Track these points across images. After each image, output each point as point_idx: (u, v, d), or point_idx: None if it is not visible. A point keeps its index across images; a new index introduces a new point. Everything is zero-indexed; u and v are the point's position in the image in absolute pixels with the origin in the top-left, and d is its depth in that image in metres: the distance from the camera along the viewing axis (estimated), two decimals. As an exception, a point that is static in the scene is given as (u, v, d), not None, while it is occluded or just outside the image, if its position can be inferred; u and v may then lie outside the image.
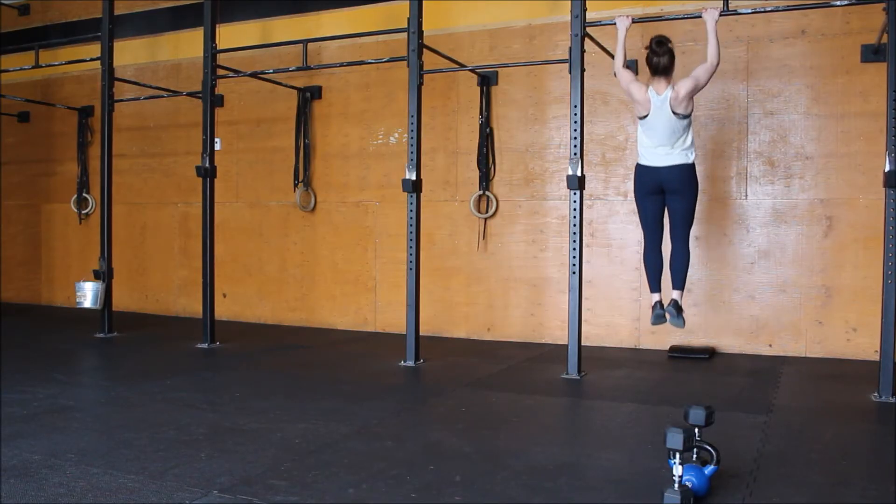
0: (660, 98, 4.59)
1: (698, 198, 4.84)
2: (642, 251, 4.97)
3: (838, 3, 4.86)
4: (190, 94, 7.18)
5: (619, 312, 6.22)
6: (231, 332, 6.81)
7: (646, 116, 4.66)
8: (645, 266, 4.92)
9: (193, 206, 7.71)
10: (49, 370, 5.13)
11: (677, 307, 4.73)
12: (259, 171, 7.69)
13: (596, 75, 6.01)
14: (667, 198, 4.75)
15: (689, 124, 4.67)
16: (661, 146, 4.66)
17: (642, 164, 4.76)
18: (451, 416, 4.02)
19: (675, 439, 2.53)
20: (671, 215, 4.80)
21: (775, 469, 3.08)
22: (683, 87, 4.54)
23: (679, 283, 4.81)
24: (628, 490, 2.86)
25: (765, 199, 5.82)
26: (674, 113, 4.57)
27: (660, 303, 4.80)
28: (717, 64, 4.61)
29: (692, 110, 4.68)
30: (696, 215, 4.81)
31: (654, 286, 4.86)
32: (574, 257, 5.00)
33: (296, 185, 7.41)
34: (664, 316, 4.75)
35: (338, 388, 4.68)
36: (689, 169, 4.68)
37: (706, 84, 4.65)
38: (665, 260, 4.90)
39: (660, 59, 4.58)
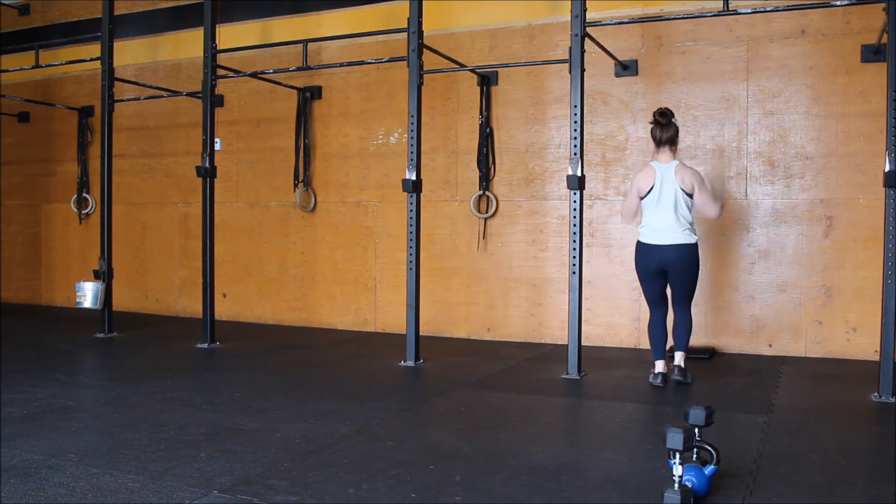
0: (665, 166, 4.61)
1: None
2: (647, 321, 4.91)
3: (838, 3, 4.85)
4: (190, 94, 7.19)
5: (619, 312, 6.22)
6: (231, 332, 6.81)
7: (650, 190, 4.62)
8: (650, 336, 4.86)
9: (193, 206, 7.72)
10: (49, 370, 5.13)
11: (682, 369, 4.72)
12: (259, 171, 7.69)
13: (596, 75, 6.01)
14: (669, 276, 4.72)
15: (693, 204, 4.66)
16: (664, 222, 4.60)
17: (644, 241, 4.71)
18: (451, 416, 4.02)
19: (675, 439, 2.53)
20: (674, 290, 4.78)
21: (775, 469, 3.08)
22: (690, 176, 4.60)
23: (682, 345, 4.79)
24: (628, 490, 2.86)
25: (765, 199, 5.82)
26: (678, 186, 4.58)
27: (662, 373, 4.74)
28: (718, 208, 4.75)
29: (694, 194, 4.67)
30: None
31: (658, 355, 4.80)
32: (574, 257, 5.00)
33: (296, 185, 7.41)
34: (663, 386, 4.70)
35: (338, 388, 4.68)
36: (692, 249, 4.65)
37: (698, 201, 4.64)
38: (668, 327, 4.87)
39: (664, 132, 4.62)
